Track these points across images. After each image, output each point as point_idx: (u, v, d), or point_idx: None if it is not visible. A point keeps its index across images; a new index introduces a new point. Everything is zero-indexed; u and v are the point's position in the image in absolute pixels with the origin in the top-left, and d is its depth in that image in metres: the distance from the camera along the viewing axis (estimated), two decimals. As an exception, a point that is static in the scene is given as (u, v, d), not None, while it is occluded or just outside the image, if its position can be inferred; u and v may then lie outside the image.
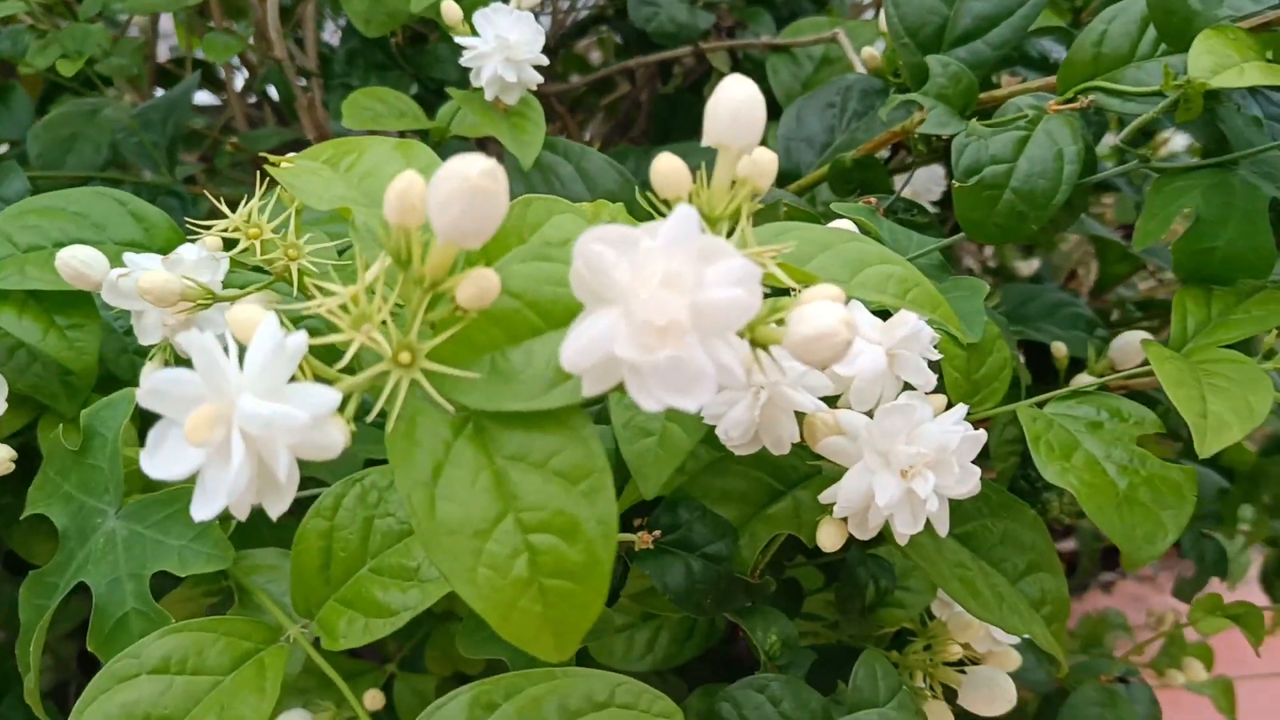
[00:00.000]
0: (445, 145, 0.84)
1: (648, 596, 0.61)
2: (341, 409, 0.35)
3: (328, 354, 0.36)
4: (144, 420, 0.61)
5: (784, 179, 0.78)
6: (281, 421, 0.33)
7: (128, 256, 0.56)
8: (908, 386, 0.53)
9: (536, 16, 0.74)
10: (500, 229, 0.35)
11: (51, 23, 1.01)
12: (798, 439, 0.50)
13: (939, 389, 0.56)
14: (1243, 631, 0.75)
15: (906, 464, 0.49)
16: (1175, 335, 0.61)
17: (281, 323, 0.34)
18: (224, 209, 0.53)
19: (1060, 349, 0.77)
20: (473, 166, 0.33)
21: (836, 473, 0.51)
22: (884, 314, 0.53)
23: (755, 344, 0.38)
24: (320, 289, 0.37)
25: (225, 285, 0.56)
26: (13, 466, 0.61)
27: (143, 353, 0.70)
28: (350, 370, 0.37)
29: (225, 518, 0.58)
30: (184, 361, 0.61)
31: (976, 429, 0.50)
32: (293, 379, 0.34)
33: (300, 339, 0.34)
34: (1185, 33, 0.59)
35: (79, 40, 0.98)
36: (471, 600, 0.36)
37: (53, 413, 0.66)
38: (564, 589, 0.37)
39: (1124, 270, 1.08)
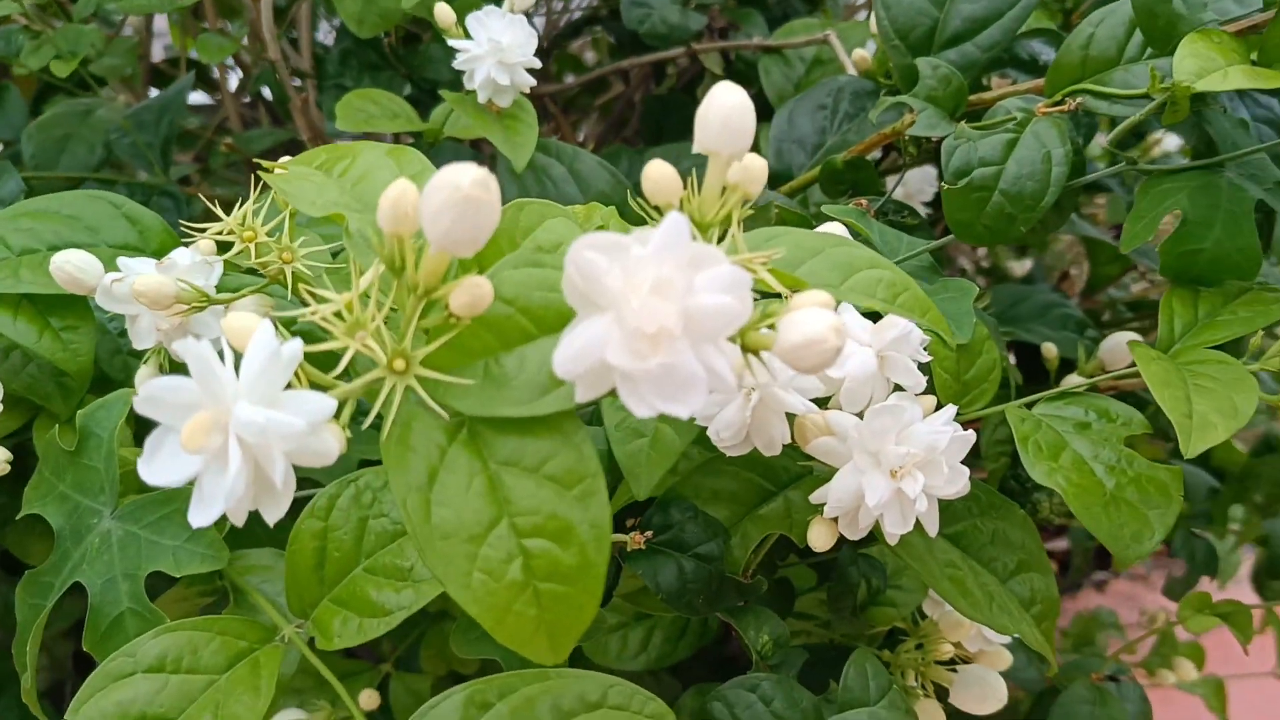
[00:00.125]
0: (438, 147, 0.84)
1: (641, 596, 0.61)
2: (337, 415, 0.35)
3: (323, 359, 0.36)
4: (139, 421, 0.62)
5: (776, 180, 0.79)
6: (278, 429, 0.33)
7: (122, 261, 0.57)
8: (898, 388, 0.54)
9: (530, 18, 0.74)
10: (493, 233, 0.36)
11: (45, 23, 1.02)
12: (789, 440, 0.51)
13: (929, 390, 0.56)
14: (1231, 630, 0.75)
15: (896, 464, 0.49)
16: (1163, 336, 0.62)
17: (277, 330, 0.35)
18: (219, 212, 0.53)
19: (1051, 350, 0.77)
20: (465, 176, 0.34)
21: (827, 473, 0.52)
22: (874, 315, 0.53)
23: (746, 349, 0.39)
24: (315, 296, 0.38)
25: (219, 288, 0.56)
26: (8, 468, 0.61)
27: (136, 354, 0.71)
28: (345, 376, 0.37)
29: (220, 519, 0.59)
30: (178, 365, 0.62)
31: (966, 430, 0.51)
32: (288, 386, 0.34)
33: (295, 347, 0.34)
34: (1170, 36, 0.59)
35: (73, 41, 0.98)
36: (466, 604, 0.36)
37: (48, 414, 0.67)
38: (558, 592, 0.37)
39: (1115, 271, 1.08)
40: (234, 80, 1.33)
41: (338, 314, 0.37)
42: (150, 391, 0.34)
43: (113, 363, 0.70)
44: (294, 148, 1.36)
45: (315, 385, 0.36)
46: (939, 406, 0.53)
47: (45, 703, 0.99)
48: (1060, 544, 1.53)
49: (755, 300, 0.35)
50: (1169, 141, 1.19)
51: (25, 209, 0.65)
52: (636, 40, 1.00)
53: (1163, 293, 0.65)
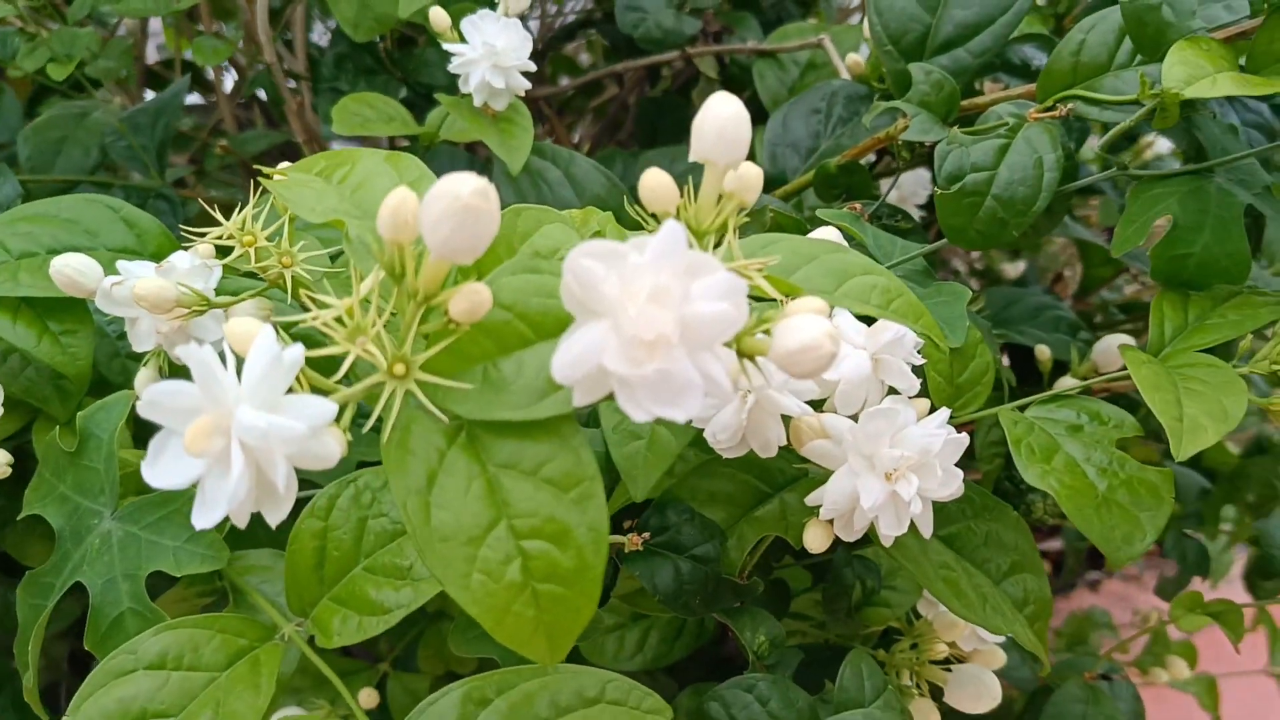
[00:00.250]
0: (434, 150, 0.85)
1: (638, 597, 0.62)
2: (337, 419, 0.36)
3: (322, 364, 0.37)
4: (138, 423, 0.62)
5: (770, 184, 0.79)
6: (279, 433, 0.34)
7: (121, 264, 0.57)
8: (892, 390, 0.54)
9: (524, 20, 0.74)
10: (490, 240, 0.36)
11: (40, 25, 1.02)
12: (785, 442, 0.51)
13: (923, 393, 0.57)
14: (1223, 629, 0.76)
15: (890, 467, 0.50)
16: (1154, 339, 0.62)
17: (278, 335, 0.35)
18: (218, 216, 0.54)
19: (1044, 352, 0.78)
20: (464, 186, 0.34)
21: (822, 475, 0.52)
22: (868, 319, 0.54)
23: (742, 354, 0.39)
24: (316, 301, 0.38)
25: (217, 291, 0.57)
26: (9, 471, 0.62)
27: (135, 357, 0.71)
28: (345, 380, 0.37)
29: (221, 520, 0.59)
30: (177, 368, 0.62)
31: (960, 432, 0.51)
32: (289, 390, 0.35)
33: (297, 352, 0.34)
34: (1159, 43, 0.60)
35: (68, 44, 0.99)
36: (466, 605, 0.37)
37: (47, 416, 0.67)
38: (556, 594, 0.38)
39: (1107, 273, 1.09)
40: (229, 82, 1.33)
41: (338, 319, 0.37)
42: (153, 396, 0.34)
43: (111, 366, 0.70)
44: (289, 150, 1.37)
45: (316, 389, 0.37)
46: (933, 409, 0.54)
47: (41, 703, 1.00)
48: (1054, 544, 1.54)
49: (751, 306, 0.36)
50: (1161, 144, 1.20)
51: (23, 213, 0.66)
52: (631, 43, 1.00)
53: (1154, 295, 0.65)
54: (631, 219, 0.46)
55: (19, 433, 0.68)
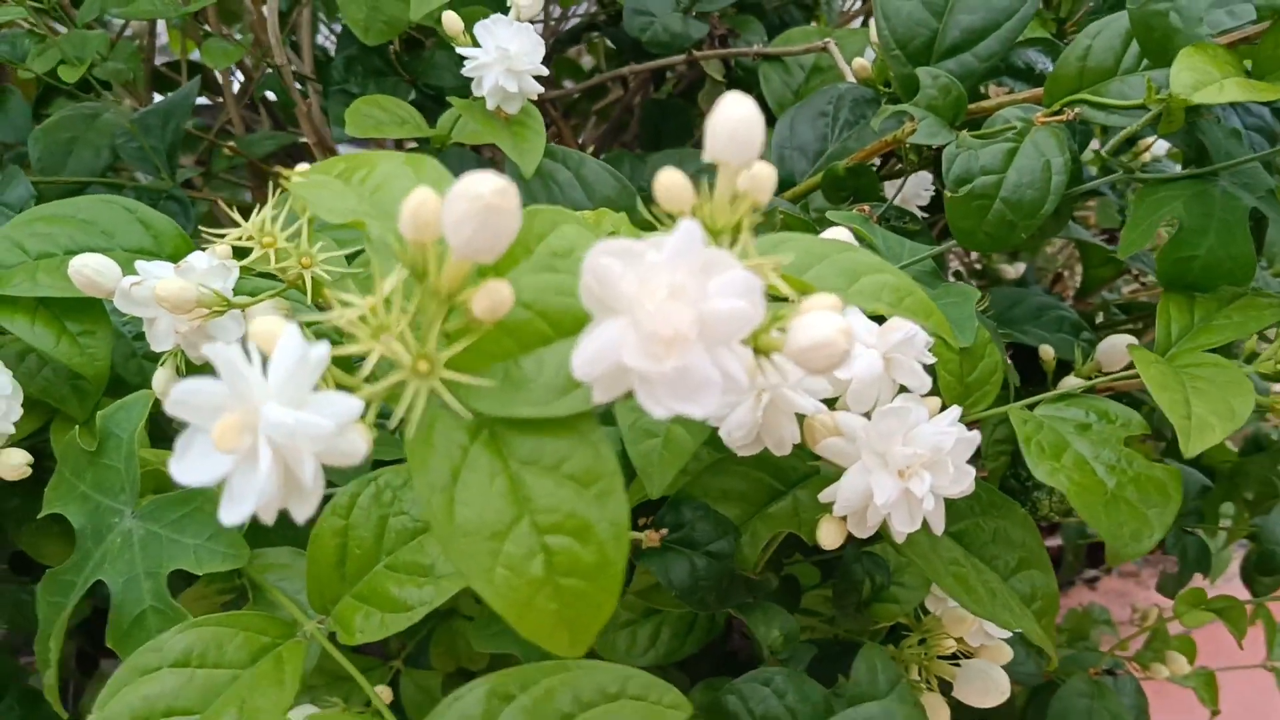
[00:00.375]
0: (445, 152, 0.85)
1: (651, 592, 0.63)
2: (361, 416, 0.36)
3: (341, 362, 0.38)
4: (153, 421, 0.63)
5: (779, 186, 0.79)
6: (307, 430, 0.34)
7: (140, 265, 0.58)
8: (903, 389, 0.55)
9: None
10: (507, 240, 0.37)
11: (44, 25, 1.02)
12: (798, 440, 0.52)
13: (933, 392, 0.58)
14: (1226, 624, 0.77)
15: (903, 464, 0.51)
16: (1160, 339, 0.63)
17: (303, 333, 0.36)
18: (237, 218, 0.54)
19: (1048, 351, 0.78)
20: (486, 186, 0.35)
21: (835, 473, 0.53)
22: (880, 318, 0.55)
23: (758, 351, 0.40)
24: (339, 301, 0.39)
25: (234, 292, 0.57)
26: (29, 471, 0.62)
27: (151, 357, 0.72)
28: (367, 378, 0.38)
29: (238, 518, 0.60)
30: (195, 367, 0.63)
31: (970, 430, 0.52)
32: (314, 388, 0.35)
33: (323, 350, 0.35)
34: (1166, 49, 0.61)
35: (79, 46, 0.99)
36: (490, 599, 0.38)
37: (64, 416, 0.68)
38: (578, 588, 0.38)
39: (1108, 274, 1.10)
40: (235, 83, 1.34)
41: (361, 318, 0.38)
42: (180, 394, 0.35)
43: (128, 366, 0.71)
44: (296, 151, 1.37)
45: (339, 387, 0.38)
46: (944, 408, 0.54)
47: (46, 701, 1.00)
48: (1053, 541, 1.54)
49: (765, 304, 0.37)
50: (1158, 145, 1.21)
51: (40, 214, 0.66)
52: (636, 46, 1.01)
53: (1154, 295, 0.66)
54: (642, 220, 0.47)
55: (35, 432, 0.69)
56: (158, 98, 1.27)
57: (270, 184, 0.55)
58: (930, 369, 0.56)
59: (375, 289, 0.39)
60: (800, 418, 0.52)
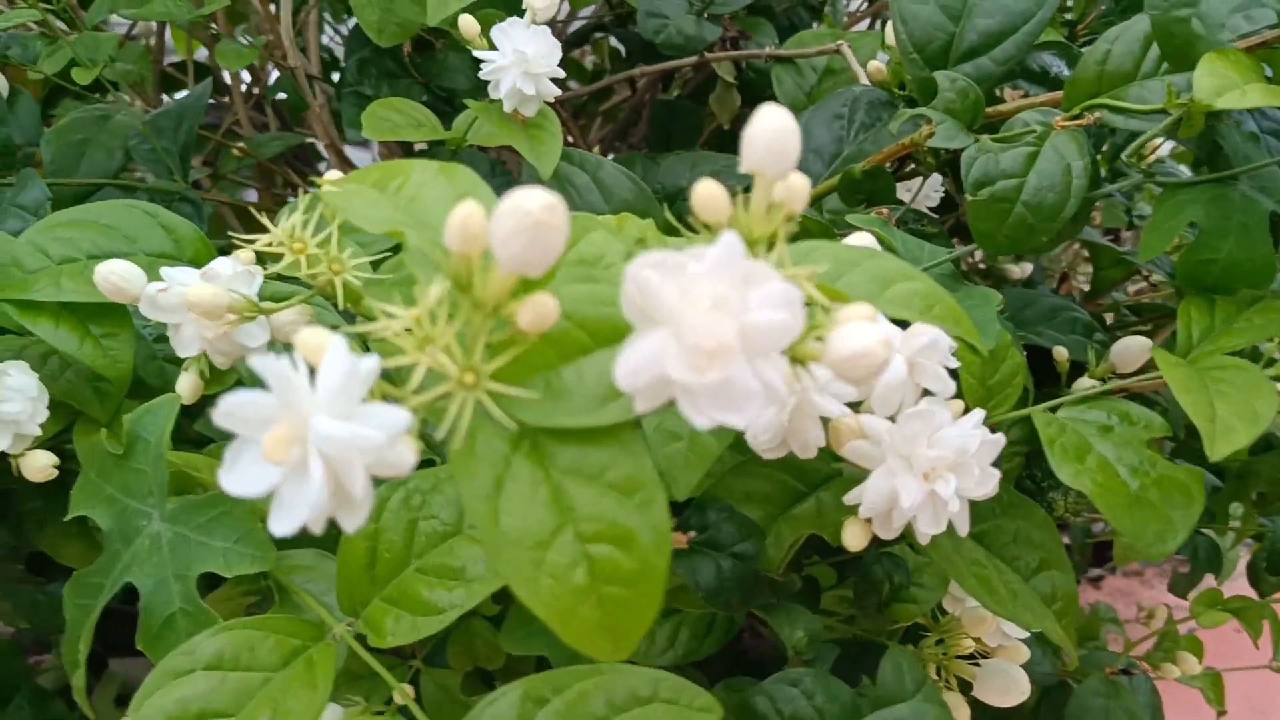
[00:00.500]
0: (460, 155, 0.86)
1: (677, 594, 0.63)
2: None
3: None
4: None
5: (795, 189, 0.80)
6: (359, 443, 0.35)
7: (165, 271, 0.58)
8: (927, 392, 0.56)
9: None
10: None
11: (55, 29, 1.02)
12: (823, 443, 0.52)
13: (956, 395, 0.58)
14: (1241, 624, 0.78)
15: (928, 467, 0.51)
16: (1181, 342, 0.64)
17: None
18: (265, 221, 0.55)
19: (1061, 353, 0.79)
20: (534, 202, 0.35)
21: (858, 474, 0.54)
22: (903, 322, 0.55)
23: (794, 360, 0.40)
24: (384, 312, 0.39)
25: (258, 297, 0.58)
26: (55, 473, 0.63)
27: (172, 359, 0.72)
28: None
29: (265, 519, 0.60)
30: (218, 371, 0.63)
31: (994, 433, 0.53)
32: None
33: (373, 362, 0.35)
34: (1187, 54, 0.61)
35: (91, 48, 0.99)
36: (535, 608, 0.38)
37: (87, 419, 0.68)
38: (620, 596, 0.39)
39: (1118, 275, 1.10)
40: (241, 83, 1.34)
41: (407, 329, 0.39)
42: (228, 406, 0.35)
43: (148, 368, 0.71)
44: (305, 151, 1.38)
45: (387, 398, 0.38)
46: (966, 410, 0.55)
47: (59, 701, 1.01)
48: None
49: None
50: (1163, 147, 1.21)
51: (62, 219, 0.67)
52: (645, 47, 1.02)
53: (1164, 297, 0.67)
54: (666, 224, 0.47)
55: (57, 434, 0.69)
56: (164, 99, 1.28)
57: (281, 184, 0.56)
58: (953, 372, 0.56)
59: (418, 300, 0.40)
60: (825, 421, 0.53)
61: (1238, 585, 1.16)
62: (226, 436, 0.70)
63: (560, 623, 0.38)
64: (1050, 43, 0.78)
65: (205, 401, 0.64)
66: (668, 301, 0.35)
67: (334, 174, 0.55)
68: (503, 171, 0.94)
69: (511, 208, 0.35)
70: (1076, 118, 0.65)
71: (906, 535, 0.53)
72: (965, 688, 0.66)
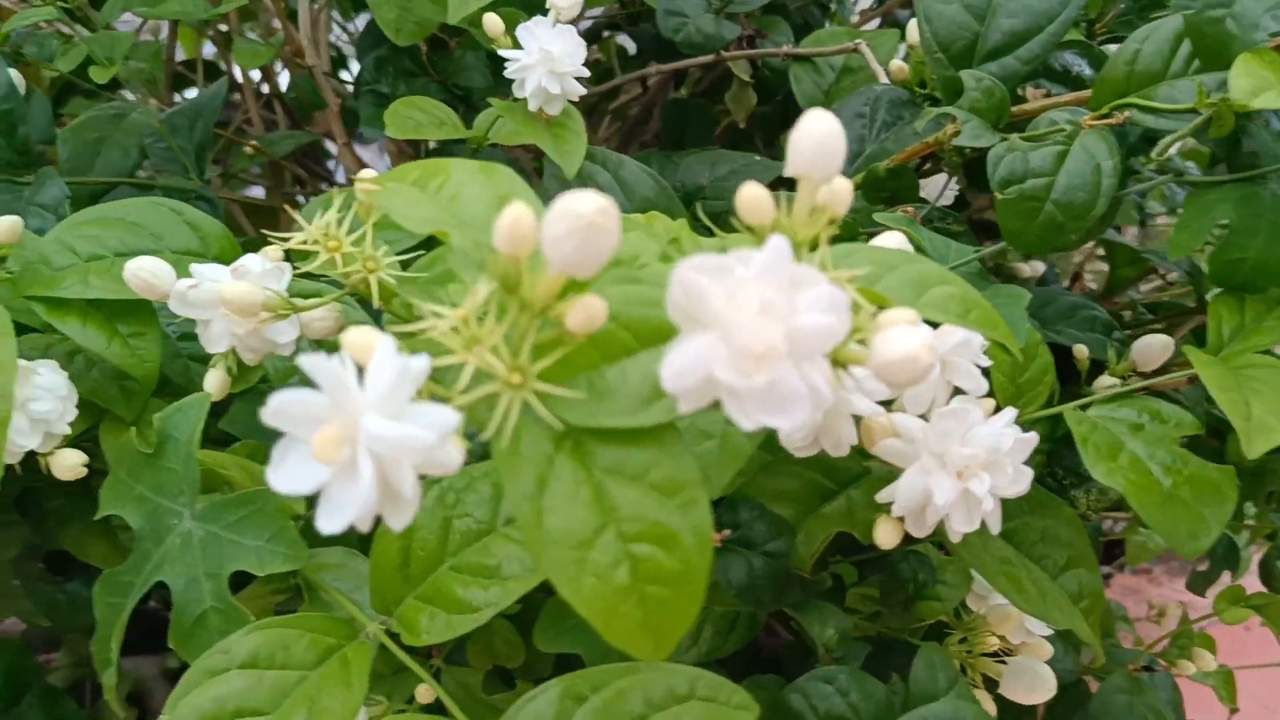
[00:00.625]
0: (481, 153, 0.86)
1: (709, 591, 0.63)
2: (454, 427, 0.37)
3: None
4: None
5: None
6: (410, 442, 0.35)
7: (195, 268, 0.58)
8: (957, 390, 0.56)
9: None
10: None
11: (71, 26, 1.02)
12: (856, 441, 0.53)
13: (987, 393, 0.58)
14: (1267, 622, 0.78)
15: (962, 465, 0.51)
16: (1212, 341, 0.64)
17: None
18: (300, 219, 0.55)
19: (1082, 351, 0.79)
20: (587, 205, 0.35)
21: (887, 472, 0.54)
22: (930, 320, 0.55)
23: (836, 364, 0.40)
24: (431, 312, 0.39)
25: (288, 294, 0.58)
26: (85, 471, 0.63)
27: (195, 357, 0.72)
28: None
29: (296, 517, 0.61)
30: (245, 368, 0.63)
31: (1026, 432, 0.53)
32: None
33: (423, 362, 0.36)
34: (1221, 54, 0.62)
35: (108, 46, 0.99)
36: (579, 606, 0.38)
37: (113, 417, 0.68)
38: (662, 595, 0.39)
39: (1134, 273, 1.11)
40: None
41: (454, 329, 0.39)
42: (278, 404, 0.35)
43: (173, 366, 0.71)
44: (316, 149, 1.38)
45: (434, 398, 0.38)
46: (997, 409, 0.55)
47: (69, 699, 1.01)
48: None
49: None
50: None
51: (89, 216, 0.67)
52: (658, 46, 1.02)
53: (1178, 295, 0.67)
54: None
55: (82, 433, 0.69)
56: (175, 97, 1.28)
57: (290, 182, 0.56)
58: (984, 370, 0.56)
59: (460, 300, 0.40)
60: (856, 419, 0.53)
61: (1249, 584, 1.17)
62: (250, 435, 0.70)
63: (603, 621, 0.38)
64: (1071, 42, 0.78)
65: (228, 400, 0.64)
66: (715, 305, 0.35)
67: (369, 172, 0.55)
68: (518, 170, 0.94)
69: (564, 210, 0.36)
70: (1105, 117, 0.65)
71: (941, 534, 0.53)
72: (988, 685, 0.67)
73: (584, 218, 0.35)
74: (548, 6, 0.75)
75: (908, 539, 0.59)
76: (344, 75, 1.42)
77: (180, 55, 1.35)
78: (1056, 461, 0.73)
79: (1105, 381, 0.78)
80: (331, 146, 1.31)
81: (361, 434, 0.35)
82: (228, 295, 0.53)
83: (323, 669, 0.51)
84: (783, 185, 0.45)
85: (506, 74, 0.74)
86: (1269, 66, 0.58)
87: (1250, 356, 0.61)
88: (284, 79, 1.32)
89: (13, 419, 0.57)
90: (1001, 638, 0.66)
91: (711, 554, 0.39)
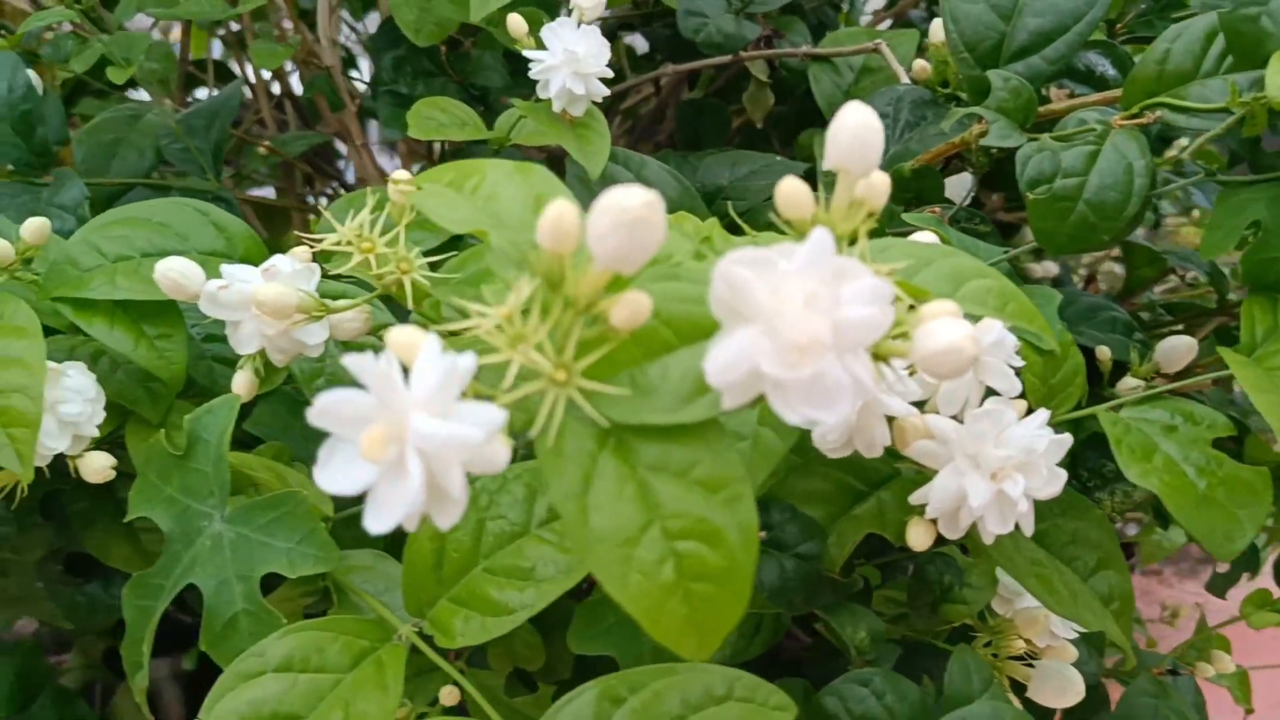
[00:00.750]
0: (502, 154, 0.86)
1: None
2: (500, 425, 0.37)
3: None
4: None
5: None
6: (458, 441, 0.35)
7: (225, 269, 0.58)
8: (990, 391, 0.56)
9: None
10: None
11: (86, 26, 1.02)
12: (889, 442, 0.52)
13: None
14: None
15: (996, 466, 0.51)
16: (1245, 341, 0.64)
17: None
18: (333, 221, 0.55)
19: (1105, 352, 0.79)
20: (633, 199, 0.35)
21: (917, 474, 0.54)
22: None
23: (877, 357, 0.40)
24: (475, 310, 0.39)
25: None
26: (113, 474, 0.63)
27: (220, 358, 0.72)
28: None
29: (325, 519, 0.60)
30: (273, 368, 0.63)
31: (1060, 434, 0.53)
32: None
33: (470, 360, 0.35)
34: (1256, 52, 0.61)
35: (125, 47, 0.99)
36: (625, 604, 0.38)
37: (139, 419, 0.68)
38: (707, 592, 0.39)
39: (1152, 274, 1.10)
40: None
41: (498, 327, 0.39)
42: (325, 404, 0.35)
43: (197, 367, 0.71)
44: (328, 149, 1.38)
45: (480, 396, 0.38)
46: (1029, 410, 0.55)
47: (80, 700, 1.01)
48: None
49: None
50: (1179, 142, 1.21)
51: (115, 217, 0.67)
52: (672, 45, 1.02)
53: (1194, 295, 0.67)
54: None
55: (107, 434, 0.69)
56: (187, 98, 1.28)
57: (301, 182, 0.55)
58: (1016, 371, 0.56)
59: (498, 299, 0.40)
60: (890, 420, 0.53)
61: (1260, 584, 1.16)
62: (275, 436, 0.70)
63: (649, 619, 0.38)
64: (1095, 42, 0.78)
65: (253, 402, 0.64)
66: (759, 298, 0.35)
67: (404, 174, 0.55)
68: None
69: (610, 204, 0.36)
70: (1136, 116, 0.65)
71: (974, 536, 0.53)
72: (1014, 689, 0.66)
73: (630, 212, 0.35)
74: (570, 6, 0.75)
75: (936, 541, 0.59)
76: (352, 74, 1.42)
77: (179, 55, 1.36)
78: (1081, 464, 0.73)
79: (1129, 383, 0.78)
80: (341, 146, 1.31)
81: (410, 433, 0.35)
82: (262, 297, 0.53)
83: (357, 672, 0.51)
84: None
85: (530, 75, 0.74)
86: (1305, 65, 0.58)
87: (1283, 358, 0.61)
88: (294, 79, 1.32)
89: (43, 421, 0.57)
90: (1028, 641, 0.66)
91: (757, 550, 0.39)
